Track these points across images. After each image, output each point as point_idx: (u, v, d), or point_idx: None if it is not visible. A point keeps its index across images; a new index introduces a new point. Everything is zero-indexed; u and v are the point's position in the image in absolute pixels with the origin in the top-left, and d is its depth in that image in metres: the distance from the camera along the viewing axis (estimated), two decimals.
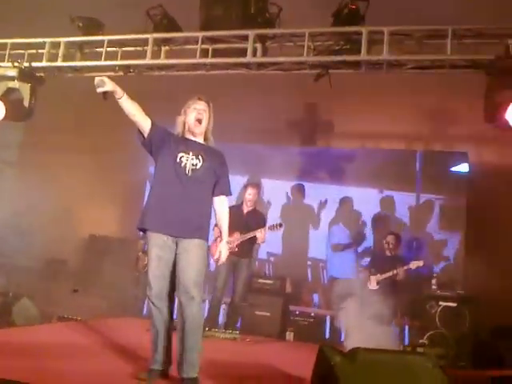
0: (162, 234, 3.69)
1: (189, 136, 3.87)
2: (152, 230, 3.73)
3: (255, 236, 6.30)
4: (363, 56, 5.10)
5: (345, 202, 8.27)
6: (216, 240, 5.72)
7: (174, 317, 3.78)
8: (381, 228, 7.81)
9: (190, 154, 3.76)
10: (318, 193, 8.52)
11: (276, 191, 8.70)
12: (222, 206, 3.89)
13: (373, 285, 6.83)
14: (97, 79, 3.63)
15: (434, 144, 7.77)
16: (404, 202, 8.05)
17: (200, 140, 3.89)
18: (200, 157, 3.77)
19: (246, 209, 6.62)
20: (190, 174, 3.72)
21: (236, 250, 6.21)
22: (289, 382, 4.15)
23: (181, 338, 3.57)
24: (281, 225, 6.42)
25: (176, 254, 3.67)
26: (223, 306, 6.82)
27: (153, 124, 3.81)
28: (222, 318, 6.80)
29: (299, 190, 8.61)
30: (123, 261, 8.10)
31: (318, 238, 8.43)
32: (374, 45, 5.11)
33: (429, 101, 6.96)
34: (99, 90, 3.60)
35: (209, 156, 3.81)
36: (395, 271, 6.71)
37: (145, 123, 3.78)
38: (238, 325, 6.58)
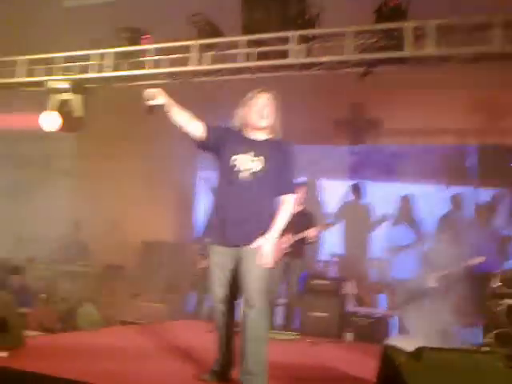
0: (222, 244, 3.52)
1: (250, 133, 3.51)
2: (212, 241, 3.59)
3: (306, 236, 6.34)
4: (407, 52, 5.01)
5: (405, 200, 8.10)
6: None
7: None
8: (444, 226, 7.60)
9: (251, 155, 3.41)
10: (377, 191, 8.43)
11: (332, 191, 8.67)
12: (282, 204, 3.49)
13: (432, 282, 6.71)
14: (147, 92, 3.40)
15: (487, 138, 7.53)
16: (468, 197, 7.85)
17: (264, 136, 3.51)
18: (262, 158, 3.40)
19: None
20: (249, 180, 3.40)
21: (288, 250, 6.24)
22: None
23: (242, 344, 3.41)
24: (331, 224, 6.42)
25: (237, 262, 3.48)
26: (281, 308, 6.88)
27: (207, 128, 3.54)
28: (278, 319, 6.83)
29: (357, 189, 8.53)
30: (179, 264, 8.28)
31: (379, 237, 8.30)
32: (418, 40, 5.00)
33: (479, 94, 6.74)
34: (150, 103, 3.38)
35: (272, 155, 3.42)
36: (454, 268, 6.56)
37: (198, 131, 3.52)
38: (295, 326, 6.62)
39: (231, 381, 3.65)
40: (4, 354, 3.89)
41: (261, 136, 3.50)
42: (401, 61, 5.25)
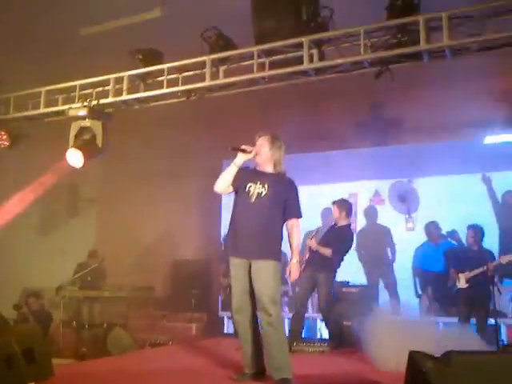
0: (237, 256, 4.19)
1: (259, 168, 4.34)
2: (230, 254, 4.26)
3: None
4: (423, 46, 4.86)
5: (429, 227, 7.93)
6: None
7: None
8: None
9: (258, 183, 4.22)
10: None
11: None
12: (291, 228, 4.23)
13: (462, 283, 6.48)
14: (249, 148, 4.25)
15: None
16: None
17: (269, 170, 4.32)
18: (266, 185, 4.20)
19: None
20: (256, 201, 4.17)
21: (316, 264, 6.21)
22: None
23: (267, 349, 4.05)
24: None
25: (250, 275, 4.11)
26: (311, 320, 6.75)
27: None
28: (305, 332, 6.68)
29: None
30: (207, 283, 8.20)
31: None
32: (433, 32, 4.86)
33: (502, 83, 6.53)
34: (243, 147, 4.23)
35: (275, 184, 4.22)
36: (485, 267, 6.31)
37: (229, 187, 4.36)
38: (325, 337, 6.47)
39: (261, 380, 4.15)
40: None
41: (268, 170, 4.33)
42: (417, 56, 5.10)
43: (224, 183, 4.29)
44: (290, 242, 4.24)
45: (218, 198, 9.51)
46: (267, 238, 4.15)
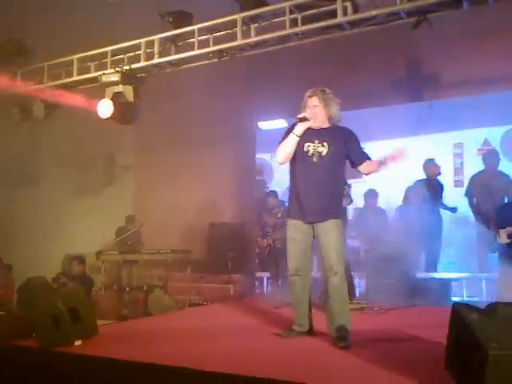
0: (299, 218, 4.14)
1: (313, 126, 4.15)
2: (291, 216, 4.22)
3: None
4: None
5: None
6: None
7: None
8: None
9: (316, 142, 4.10)
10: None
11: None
12: (366, 166, 4.15)
13: (503, 239, 6.30)
14: (306, 115, 4.10)
15: None
16: None
17: (325, 125, 4.19)
18: (325, 143, 4.09)
19: None
20: (319, 161, 4.07)
21: None
22: (425, 345, 3.93)
23: (329, 305, 4.03)
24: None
25: (314, 237, 4.11)
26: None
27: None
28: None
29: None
30: (244, 245, 8.24)
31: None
32: None
33: None
34: (301, 118, 4.09)
35: (334, 139, 4.11)
36: None
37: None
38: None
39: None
40: (79, 343, 4.00)
41: (323, 125, 4.18)
42: (456, 2, 4.89)
43: (287, 155, 4.16)
44: (370, 163, 4.12)
45: (251, 161, 9.52)
46: (333, 197, 4.13)
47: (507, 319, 2.90)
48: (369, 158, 4.15)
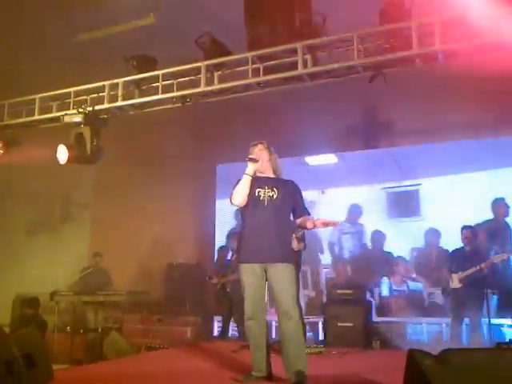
0: (251, 262, 4.18)
1: (260, 175, 4.38)
2: (242, 261, 4.25)
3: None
4: (415, 50, 4.98)
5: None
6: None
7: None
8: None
9: (266, 188, 4.29)
10: None
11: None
12: (304, 219, 4.28)
13: (455, 283, 6.57)
14: (255, 154, 4.35)
15: (502, 130, 7.38)
16: None
17: (271, 175, 4.43)
18: (275, 189, 4.29)
19: None
20: (269, 205, 4.23)
21: None
22: None
23: (284, 350, 4.06)
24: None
25: (267, 280, 4.16)
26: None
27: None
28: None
29: None
30: (201, 287, 8.22)
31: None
32: (425, 36, 4.97)
33: (492, 85, 6.62)
34: (251, 158, 4.29)
35: (282, 186, 4.33)
36: (478, 267, 6.41)
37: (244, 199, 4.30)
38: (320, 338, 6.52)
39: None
40: None
41: (269, 175, 4.43)
42: (409, 60, 5.21)
43: (242, 196, 4.28)
44: (305, 220, 4.25)
45: (210, 201, 9.59)
46: (283, 240, 4.25)
47: (459, 365, 3.03)
48: (308, 214, 4.35)
